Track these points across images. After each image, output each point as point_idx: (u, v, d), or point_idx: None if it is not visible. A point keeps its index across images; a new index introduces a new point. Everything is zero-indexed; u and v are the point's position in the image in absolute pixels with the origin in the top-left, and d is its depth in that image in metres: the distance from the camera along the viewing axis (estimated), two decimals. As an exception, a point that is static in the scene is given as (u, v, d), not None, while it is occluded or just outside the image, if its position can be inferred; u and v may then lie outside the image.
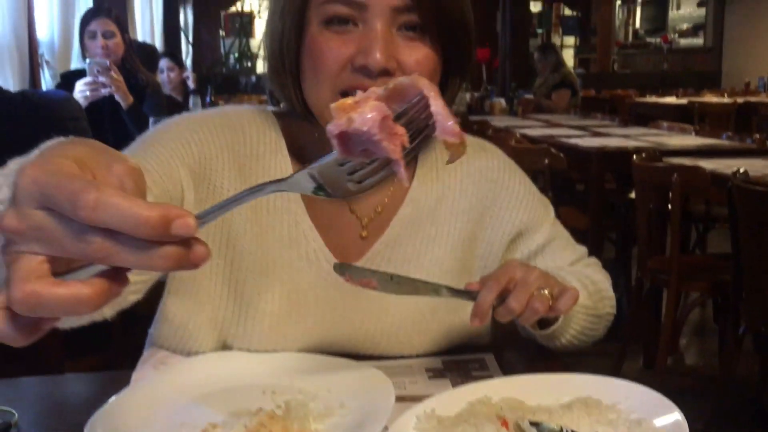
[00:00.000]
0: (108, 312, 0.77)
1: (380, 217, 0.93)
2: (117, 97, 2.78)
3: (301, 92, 0.85)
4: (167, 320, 0.90)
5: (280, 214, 0.89)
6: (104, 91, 2.70)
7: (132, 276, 0.81)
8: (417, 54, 0.80)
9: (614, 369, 2.81)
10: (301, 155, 0.92)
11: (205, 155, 0.88)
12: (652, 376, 2.69)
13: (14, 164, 0.50)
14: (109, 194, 0.38)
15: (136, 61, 3.11)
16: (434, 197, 0.95)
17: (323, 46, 0.79)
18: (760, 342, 2.43)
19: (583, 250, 1.05)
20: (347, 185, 0.51)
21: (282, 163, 0.90)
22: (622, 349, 2.86)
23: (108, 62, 2.72)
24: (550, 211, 1.02)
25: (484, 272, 0.97)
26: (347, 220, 0.92)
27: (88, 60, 2.73)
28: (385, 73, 0.78)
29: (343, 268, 0.77)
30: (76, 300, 0.39)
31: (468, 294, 0.78)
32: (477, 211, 0.96)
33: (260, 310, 0.88)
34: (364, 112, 0.49)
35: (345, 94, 0.79)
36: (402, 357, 0.93)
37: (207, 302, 0.89)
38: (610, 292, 1.02)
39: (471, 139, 1.02)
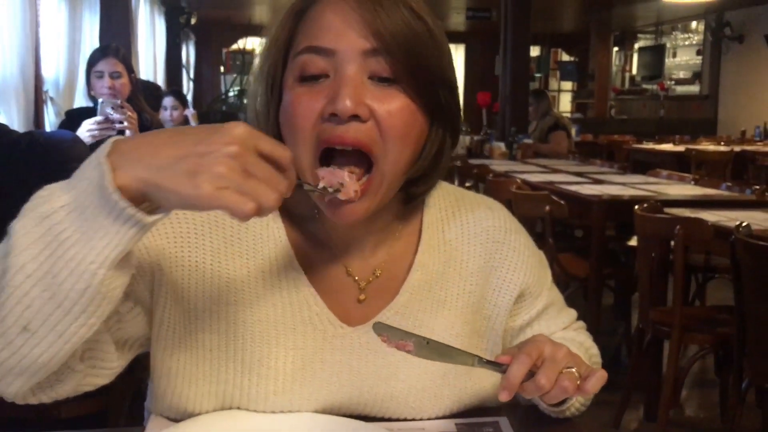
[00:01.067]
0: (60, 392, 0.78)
1: (379, 281, 0.91)
2: (128, 134, 2.80)
3: None
4: (161, 397, 0.88)
5: (278, 280, 0.88)
6: (115, 130, 2.74)
7: (104, 362, 0.80)
8: (390, 104, 0.79)
9: (615, 420, 2.78)
10: (294, 215, 0.91)
11: (178, 237, 0.85)
12: (654, 429, 2.66)
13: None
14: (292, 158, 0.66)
15: (141, 100, 3.14)
16: (442, 260, 0.94)
17: (295, 101, 0.79)
18: (764, 397, 2.41)
19: (573, 313, 1.06)
20: None
21: (275, 230, 0.89)
22: (624, 399, 2.83)
23: (120, 101, 2.75)
24: (549, 274, 1.03)
25: (491, 334, 0.96)
26: (344, 282, 0.91)
27: (101, 100, 2.75)
28: (356, 119, 0.77)
29: (381, 329, 0.77)
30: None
31: (498, 366, 0.77)
32: (484, 273, 0.95)
33: (263, 376, 0.87)
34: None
35: (325, 153, 0.79)
36: (414, 420, 0.92)
37: (204, 377, 0.86)
38: (599, 358, 1.03)
39: (477, 197, 1.01)
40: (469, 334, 0.94)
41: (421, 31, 0.80)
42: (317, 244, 0.90)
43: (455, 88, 0.85)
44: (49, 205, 0.64)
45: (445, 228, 0.95)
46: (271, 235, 0.89)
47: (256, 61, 0.87)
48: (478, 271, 0.95)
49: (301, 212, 0.90)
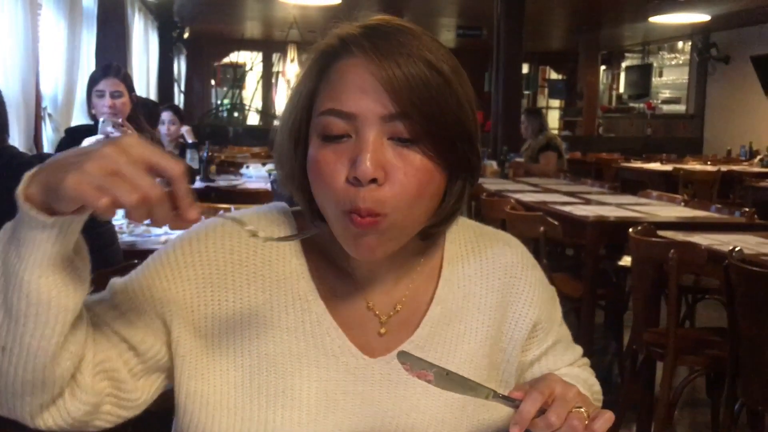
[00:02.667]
0: None
1: (400, 316, 0.94)
2: None
3: (311, 199, 0.87)
4: None
5: (300, 314, 0.90)
6: None
7: (124, 393, 0.85)
8: (407, 166, 0.81)
9: (609, 440, 2.81)
10: (320, 250, 0.93)
11: (200, 279, 0.89)
12: (647, 449, 2.70)
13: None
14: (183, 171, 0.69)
15: (141, 119, 3.17)
16: (461, 295, 0.96)
17: (322, 161, 0.82)
18: (756, 418, 2.45)
19: (579, 350, 1.08)
20: None
21: (297, 266, 0.91)
22: (617, 419, 2.86)
23: (120, 120, 2.79)
24: (559, 310, 1.06)
25: (506, 366, 0.99)
26: (365, 316, 0.93)
27: (102, 119, 2.78)
28: (374, 182, 0.79)
29: (405, 357, 0.79)
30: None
31: (511, 401, 0.80)
32: (502, 307, 0.98)
33: (288, 407, 0.88)
34: None
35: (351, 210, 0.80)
36: (433, 450, 0.94)
37: (228, 414, 0.88)
38: (600, 395, 1.06)
39: (496, 233, 1.04)
40: (488, 367, 0.97)
41: (439, 86, 0.81)
42: (341, 277, 0.93)
43: (472, 133, 0.87)
44: (5, 229, 0.72)
45: (464, 263, 0.98)
46: (294, 270, 0.91)
47: (283, 109, 0.89)
48: (496, 305, 0.97)
49: (326, 246, 0.93)
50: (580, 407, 0.79)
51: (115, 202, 0.65)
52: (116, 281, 0.88)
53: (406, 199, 0.81)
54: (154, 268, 0.89)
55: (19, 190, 0.68)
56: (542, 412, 0.78)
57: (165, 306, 0.87)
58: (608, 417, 0.79)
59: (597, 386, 1.05)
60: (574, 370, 1.04)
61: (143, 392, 0.87)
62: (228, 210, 2.94)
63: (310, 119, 0.85)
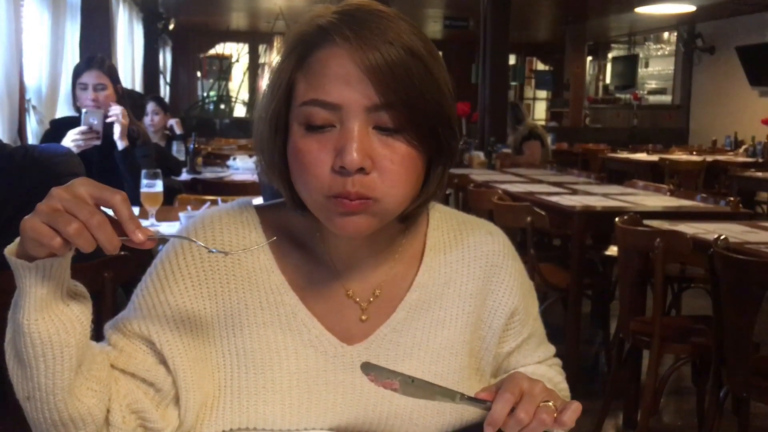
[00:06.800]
0: None
1: (379, 300, 0.94)
2: (116, 135, 2.84)
3: (292, 187, 0.87)
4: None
5: (275, 307, 0.91)
6: (99, 140, 2.77)
7: (150, 423, 0.86)
8: (392, 154, 0.81)
9: (596, 428, 2.84)
10: (294, 240, 0.93)
11: (176, 294, 0.90)
12: (634, 437, 2.72)
13: None
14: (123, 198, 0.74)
15: (128, 112, 3.14)
16: (442, 281, 0.97)
17: (305, 150, 0.82)
18: (740, 405, 2.48)
19: (552, 349, 1.09)
20: None
21: (265, 261, 0.92)
22: (604, 407, 2.89)
23: (102, 112, 2.78)
24: (536, 304, 1.07)
25: (485, 354, 1.00)
26: (344, 303, 0.93)
27: (84, 110, 2.76)
28: (361, 171, 0.80)
29: (368, 368, 0.80)
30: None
31: (482, 403, 0.81)
32: (482, 295, 0.99)
33: (270, 402, 0.89)
34: None
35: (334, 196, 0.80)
36: (419, 436, 0.95)
37: (208, 416, 0.89)
38: (568, 392, 1.07)
39: (478, 222, 1.04)
40: (468, 354, 0.97)
41: (420, 74, 0.81)
42: (318, 267, 0.93)
43: (453, 122, 0.87)
44: (16, 292, 0.77)
45: (447, 250, 0.99)
46: (262, 266, 0.91)
47: (261, 97, 0.89)
48: (476, 292, 0.98)
49: (302, 236, 0.93)
50: (548, 401, 0.81)
51: (62, 237, 0.70)
52: (107, 326, 0.91)
53: (394, 185, 0.82)
54: (136, 301, 0.91)
55: (9, 247, 0.74)
56: (511, 410, 0.80)
57: (153, 333, 0.88)
58: (575, 407, 0.80)
59: (563, 384, 1.06)
60: (540, 369, 1.05)
61: (168, 422, 0.89)
62: (215, 202, 2.93)
63: (290, 108, 0.84)
